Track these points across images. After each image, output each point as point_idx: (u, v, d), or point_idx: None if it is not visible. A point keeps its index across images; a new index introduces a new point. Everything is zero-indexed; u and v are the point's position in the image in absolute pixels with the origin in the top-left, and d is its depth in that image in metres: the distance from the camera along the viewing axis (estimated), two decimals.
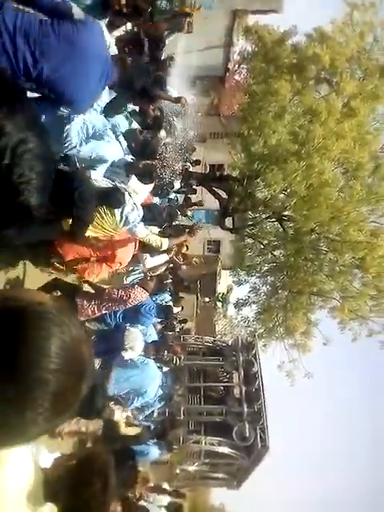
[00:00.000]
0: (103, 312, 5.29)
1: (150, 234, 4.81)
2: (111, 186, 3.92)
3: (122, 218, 4.03)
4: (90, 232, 4.02)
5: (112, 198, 3.77)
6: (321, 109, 9.64)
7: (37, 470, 1.16)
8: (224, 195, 12.54)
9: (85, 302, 5.04)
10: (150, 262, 5.79)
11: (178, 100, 5.56)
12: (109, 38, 3.01)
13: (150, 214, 4.85)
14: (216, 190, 12.62)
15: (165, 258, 6.35)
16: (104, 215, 3.94)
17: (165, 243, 5.13)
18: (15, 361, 0.64)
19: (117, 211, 3.96)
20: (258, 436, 9.13)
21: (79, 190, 2.89)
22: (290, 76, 11.01)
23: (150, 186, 5.10)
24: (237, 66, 18.47)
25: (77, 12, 2.62)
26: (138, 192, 4.54)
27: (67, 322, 0.70)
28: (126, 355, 5.22)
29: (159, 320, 6.74)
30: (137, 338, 5.37)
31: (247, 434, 9.01)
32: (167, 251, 6.38)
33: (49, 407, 0.67)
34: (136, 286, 5.56)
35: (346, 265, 10.67)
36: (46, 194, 0.81)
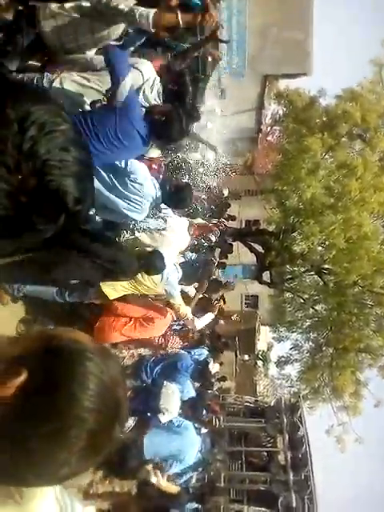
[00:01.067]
0: (141, 352, 5.28)
1: (182, 304, 4.81)
2: (152, 249, 4.05)
3: (163, 277, 4.16)
4: (128, 290, 4.14)
5: (153, 264, 3.88)
6: (356, 163, 9.73)
7: None
8: (260, 249, 12.55)
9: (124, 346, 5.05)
10: (199, 323, 5.80)
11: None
12: (153, 75, 3.15)
13: (188, 270, 4.93)
14: (252, 244, 12.68)
15: (212, 317, 6.35)
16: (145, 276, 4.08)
17: (189, 314, 5.11)
18: (55, 397, 0.64)
19: (159, 279, 4.11)
20: (306, 506, 8.37)
21: (118, 261, 3.09)
22: (321, 134, 11.30)
23: (186, 223, 5.23)
24: (269, 127, 19.24)
25: (132, 60, 2.93)
26: (176, 231, 4.67)
27: (106, 362, 0.71)
28: (162, 418, 5.04)
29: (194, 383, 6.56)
30: (173, 397, 5.19)
31: (294, 504, 8.27)
32: (213, 309, 6.41)
33: (83, 447, 0.66)
34: (174, 335, 5.54)
35: None
36: (85, 191, 0.65)
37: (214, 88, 9.32)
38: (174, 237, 4.55)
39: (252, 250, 12.61)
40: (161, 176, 4.53)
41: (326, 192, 10.08)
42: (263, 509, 8.70)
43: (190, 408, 5.69)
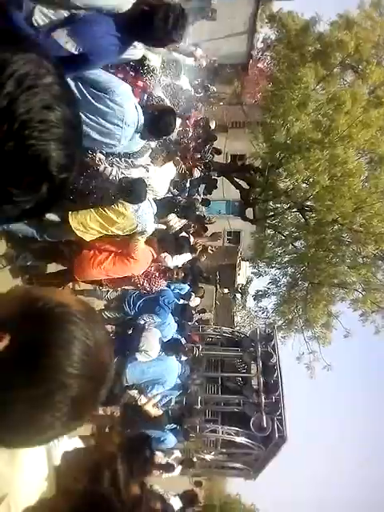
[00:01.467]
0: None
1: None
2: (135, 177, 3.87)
3: (137, 210, 3.99)
4: (99, 230, 3.98)
5: (136, 191, 3.73)
6: (345, 97, 9.40)
7: (50, 471, 1.17)
8: (245, 185, 12.42)
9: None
10: (174, 261, 5.76)
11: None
12: None
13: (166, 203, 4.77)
14: (237, 180, 12.51)
15: (189, 257, 6.32)
16: (118, 215, 3.93)
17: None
18: (39, 363, 0.63)
19: (133, 211, 3.93)
20: (276, 426, 9.12)
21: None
22: (314, 63, 10.75)
23: (168, 174, 5.05)
24: (260, 53, 18.16)
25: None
26: (157, 181, 4.49)
27: (92, 326, 0.69)
28: (140, 357, 5.22)
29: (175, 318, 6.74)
30: (153, 341, 5.34)
31: (265, 425, 9.01)
32: (192, 250, 6.36)
33: (67, 412, 0.66)
34: (159, 276, 5.55)
35: (369, 256, 10.46)
36: (72, 157, 0.56)
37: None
38: (154, 186, 4.38)
39: (237, 186, 12.48)
40: (146, 95, 4.18)
41: (314, 126, 9.83)
42: (236, 428, 9.46)
43: (170, 348, 5.92)
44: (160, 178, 4.56)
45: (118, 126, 3.10)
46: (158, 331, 5.43)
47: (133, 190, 3.80)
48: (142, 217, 4.06)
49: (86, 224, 3.87)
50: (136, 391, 5.51)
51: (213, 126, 9.42)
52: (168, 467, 6.10)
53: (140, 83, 4.11)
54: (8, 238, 4.32)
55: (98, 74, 2.98)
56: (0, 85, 0.50)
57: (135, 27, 2.55)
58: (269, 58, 17.45)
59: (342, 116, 9.21)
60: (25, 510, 0.87)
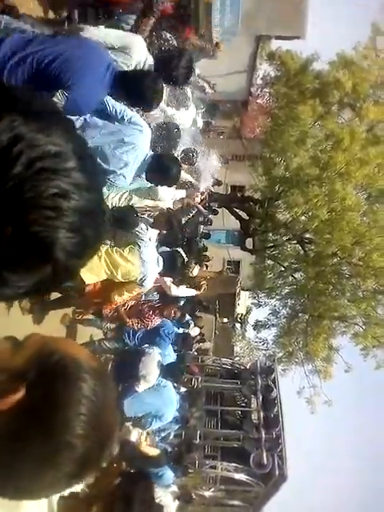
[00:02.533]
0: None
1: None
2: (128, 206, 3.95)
3: (142, 258, 4.07)
4: (104, 272, 4.06)
5: (128, 221, 3.82)
6: (344, 135, 9.66)
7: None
8: (245, 216, 12.58)
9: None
10: (177, 291, 5.81)
11: None
12: (144, 55, 2.99)
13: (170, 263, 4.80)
14: (237, 210, 12.69)
15: (192, 292, 6.38)
16: (125, 260, 4.01)
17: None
18: (49, 421, 0.64)
19: (139, 262, 4.01)
20: (276, 463, 8.90)
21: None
22: (312, 101, 11.11)
23: (174, 193, 5.17)
24: (260, 90, 18.76)
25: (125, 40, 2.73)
26: (164, 200, 4.62)
27: (101, 385, 0.70)
28: (139, 388, 5.18)
29: (175, 348, 6.72)
30: (152, 365, 5.32)
31: (265, 462, 8.79)
32: (197, 288, 6.42)
33: (71, 471, 0.67)
34: (152, 312, 5.58)
35: (369, 290, 10.48)
36: (83, 244, 0.51)
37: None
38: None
39: (236, 216, 12.65)
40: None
41: (312, 162, 10.06)
42: (236, 464, 9.22)
43: (170, 372, 5.88)
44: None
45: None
46: (156, 355, 5.41)
47: (125, 220, 3.87)
48: (146, 269, 4.14)
49: (93, 266, 3.94)
50: (131, 425, 5.43)
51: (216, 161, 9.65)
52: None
53: None
54: None
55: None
56: (10, 161, 0.45)
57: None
58: (268, 94, 18.03)
59: (340, 153, 9.45)
60: None
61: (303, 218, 11.01)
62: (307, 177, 9.77)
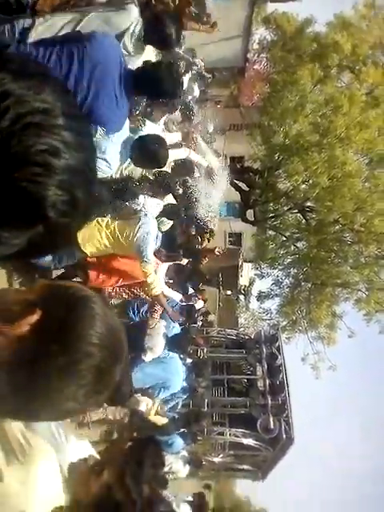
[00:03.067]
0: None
1: (154, 278, 4.42)
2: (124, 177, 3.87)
3: (139, 233, 3.92)
4: (94, 247, 4.01)
5: (127, 191, 3.74)
6: (343, 100, 9.44)
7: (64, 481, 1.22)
8: (245, 187, 12.47)
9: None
10: (171, 295, 5.80)
11: None
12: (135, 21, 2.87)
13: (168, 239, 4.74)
14: (237, 182, 12.57)
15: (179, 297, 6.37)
16: (125, 230, 3.95)
17: (158, 290, 4.70)
18: (67, 334, 0.71)
19: (138, 227, 3.92)
20: (283, 428, 9.15)
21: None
22: (311, 65, 10.82)
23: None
24: (256, 55, 18.24)
25: None
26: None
27: (109, 311, 0.79)
28: (146, 358, 5.27)
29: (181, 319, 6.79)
30: (158, 337, 5.38)
31: (272, 426, 9.04)
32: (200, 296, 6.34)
33: (90, 382, 0.73)
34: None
35: (372, 256, 10.49)
36: (73, 204, 0.51)
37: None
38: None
39: (236, 188, 12.53)
40: None
41: (312, 128, 9.88)
42: (244, 430, 9.49)
43: (176, 344, 5.97)
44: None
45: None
46: (162, 326, 5.47)
47: (124, 190, 3.81)
48: (147, 242, 4.04)
49: (93, 238, 3.91)
50: (140, 395, 5.56)
51: (211, 129, 9.47)
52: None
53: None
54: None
55: None
56: None
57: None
58: (265, 59, 17.54)
59: (340, 118, 9.26)
60: None
61: (304, 186, 10.90)
62: (307, 143, 9.61)
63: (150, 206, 4.33)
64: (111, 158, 3.00)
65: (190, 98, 6.61)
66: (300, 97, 10.12)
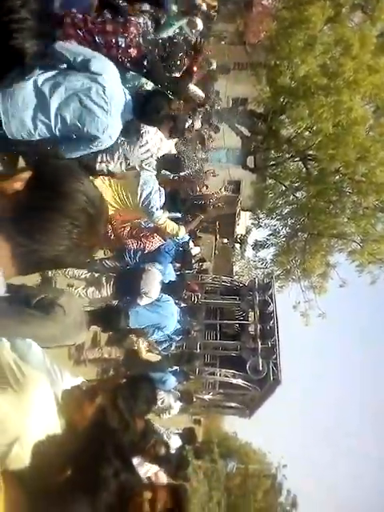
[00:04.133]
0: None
1: (167, 220, 4.72)
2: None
3: (143, 197, 4.01)
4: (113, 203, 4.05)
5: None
6: (354, 40, 8.92)
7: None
8: (246, 132, 12.11)
9: None
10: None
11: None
12: None
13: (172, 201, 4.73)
14: (238, 126, 12.18)
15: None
16: (129, 193, 3.94)
17: (182, 231, 5.06)
18: (59, 186, 0.84)
19: (140, 190, 3.94)
20: (271, 370, 9.55)
21: None
22: (322, 1, 10.10)
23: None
24: None
25: None
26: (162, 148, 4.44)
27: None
28: (141, 301, 5.35)
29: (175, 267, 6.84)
30: (154, 282, 5.44)
31: (260, 368, 9.43)
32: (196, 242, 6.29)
33: (83, 223, 0.84)
34: (152, 234, 5.60)
35: (370, 208, 10.43)
36: (44, 41, 0.78)
37: None
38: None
39: (237, 132, 12.17)
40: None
41: (320, 70, 9.42)
42: (234, 371, 9.91)
43: (171, 289, 6.06)
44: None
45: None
46: (157, 272, 5.54)
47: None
48: (151, 199, 4.11)
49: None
50: (134, 336, 5.73)
51: (214, 65, 8.99)
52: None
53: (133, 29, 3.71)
54: None
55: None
56: None
57: None
58: None
59: (350, 60, 8.80)
60: (34, 446, 0.95)
61: (307, 133, 10.59)
62: (314, 86, 9.20)
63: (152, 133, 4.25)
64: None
65: (194, 31, 6.23)
66: (309, 36, 9.55)
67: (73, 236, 0.84)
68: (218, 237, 16.77)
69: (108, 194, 4.02)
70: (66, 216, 0.83)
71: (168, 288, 5.89)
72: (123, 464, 0.94)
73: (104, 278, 5.41)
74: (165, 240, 5.89)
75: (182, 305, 7.14)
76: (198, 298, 8.51)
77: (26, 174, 0.83)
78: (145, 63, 3.53)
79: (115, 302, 5.38)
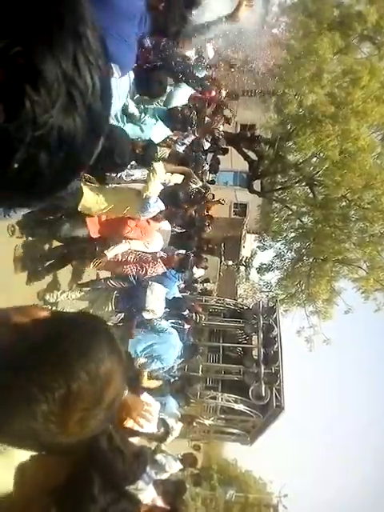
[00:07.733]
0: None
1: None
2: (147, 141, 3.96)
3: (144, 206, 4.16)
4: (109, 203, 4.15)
5: (147, 153, 3.82)
6: (363, 72, 9.10)
7: None
8: (254, 157, 12.26)
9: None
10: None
11: None
12: None
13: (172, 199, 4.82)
14: (246, 151, 12.33)
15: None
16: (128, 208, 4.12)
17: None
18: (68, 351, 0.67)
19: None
20: (274, 396, 9.36)
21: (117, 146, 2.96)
22: (331, 33, 10.36)
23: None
24: (275, 19, 17.46)
25: None
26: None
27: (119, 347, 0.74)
28: (147, 316, 5.34)
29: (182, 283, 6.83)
30: (159, 299, 5.43)
31: (263, 394, 9.26)
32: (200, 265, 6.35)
33: (59, 401, 0.65)
34: (159, 260, 5.61)
35: (376, 234, 10.43)
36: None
37: None
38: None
39: (245, 157, 12.32)
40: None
41: (327, 99, 9.59)
42: (236, 396, 9.72)
43: (174, 307, 6.03)
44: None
45: None
46: (162, 288, 5.50)
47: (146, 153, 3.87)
48: (149, 208, 4.24)
49: (99, 197, 4.03)
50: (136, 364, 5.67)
51: (224, 94, 9.20)
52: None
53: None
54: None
55: None
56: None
57: None
58: (284, 23, 16.79)
59: (358, 90, 8.96)
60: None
61: (314, 159, 10.70)
62: (321, 115, 9.35)
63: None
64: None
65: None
66: (318, 66, 9.76)
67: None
68: (223, 259, 16.79)
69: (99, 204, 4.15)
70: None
71: (171, 304, 5.88)
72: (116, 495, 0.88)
73: (106, 295, 5.43)
74: (168, 268, 5.89)
75: (185, 326, 7.10)
76: (201, 318, 8.45)
77: (43, 313, 0.72)
78: None
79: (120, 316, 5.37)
